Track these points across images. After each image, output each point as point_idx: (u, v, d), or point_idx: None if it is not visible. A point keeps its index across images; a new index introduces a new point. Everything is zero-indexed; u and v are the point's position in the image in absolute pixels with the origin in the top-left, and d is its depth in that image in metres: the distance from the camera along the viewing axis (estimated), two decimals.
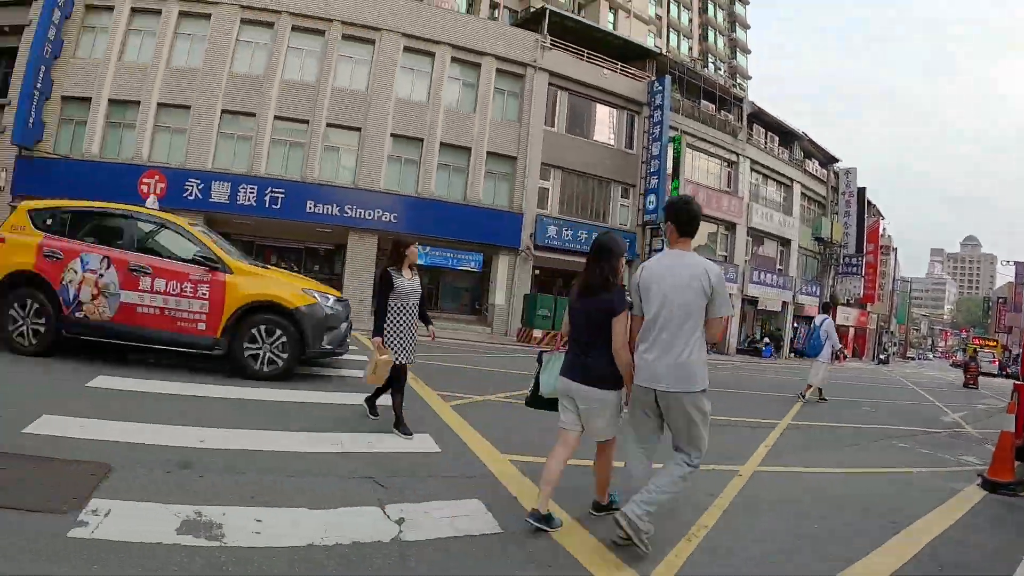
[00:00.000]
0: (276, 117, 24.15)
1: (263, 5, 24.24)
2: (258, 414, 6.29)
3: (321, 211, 23.87)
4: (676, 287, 3.84)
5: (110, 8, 23.49)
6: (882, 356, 56.47)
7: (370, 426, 6.38)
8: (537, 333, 23.36)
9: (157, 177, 22.52)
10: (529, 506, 4.24)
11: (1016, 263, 59.76)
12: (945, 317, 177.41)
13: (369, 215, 24.41)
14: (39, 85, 22.09)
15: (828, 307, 17.42)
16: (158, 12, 23.71)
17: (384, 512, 4.01)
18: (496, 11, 45.45)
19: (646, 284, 3.98)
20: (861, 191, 44.17)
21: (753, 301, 38.18)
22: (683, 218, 4.00)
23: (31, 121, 21.90)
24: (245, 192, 23.14)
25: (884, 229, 58.51)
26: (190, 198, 22.71)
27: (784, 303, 40.01)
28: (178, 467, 4.35)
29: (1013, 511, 6.42)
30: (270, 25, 24.45)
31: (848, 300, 47.31)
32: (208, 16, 23.96)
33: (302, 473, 4.62)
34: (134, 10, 23.71)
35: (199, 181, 22.87)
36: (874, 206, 52.53)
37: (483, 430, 6.67)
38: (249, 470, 4.51)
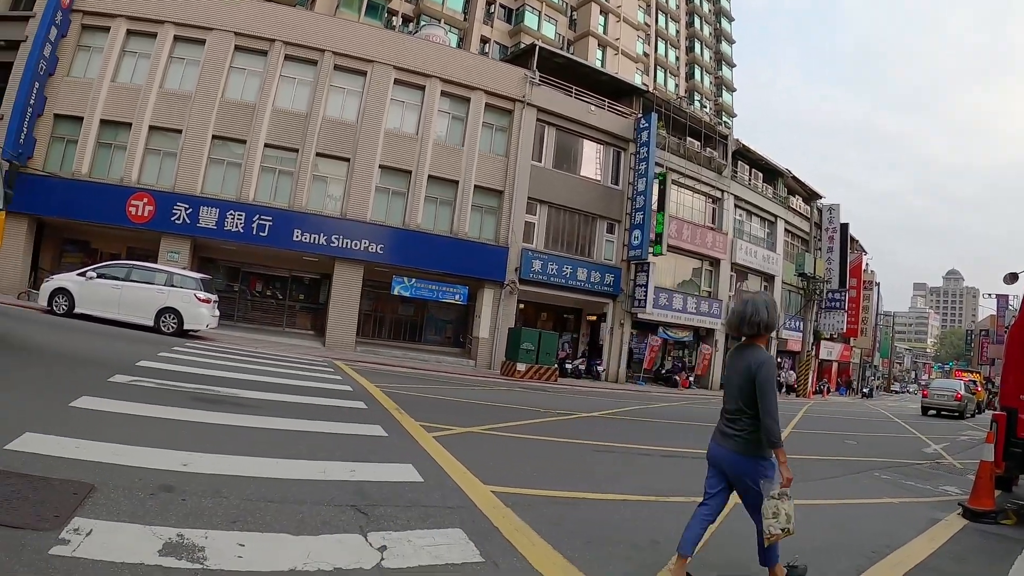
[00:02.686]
0: (266, 144, 24.23)
1: (257, 33, 24.47)
2: (242, 440, 6.32)
3: (308, 240, 23.87)
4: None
5: (106, 29, 23.54)
6: (865, 390, 56.82)
7: (352, 455, 6.42)
8: (520, 367, 23.27)
9: (146, 199, 22.68)
10: (510, 535, 4.34)
11: (998, 296, 60.68)
12: (928, 350, 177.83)
13: (355, 246, 24.45)
14: (32, 101, 22.00)
15: None
16: (153, 35, 23.82)
17: (366, 539, 4.05)
18: (487, 46, 46.17)
19: None
20: (844, 227, 44.63)
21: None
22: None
23: (23, 137, 21.77)
24: (233, 218, 23.12)
25: (867, 264, 59.04)
26: (177, 222, 22.73)
27: (768, 338, 40.19)
28: (161, 489, 4.37)
29: (993, 539, 6.57)
30: (264, 53, 24.63)
31: (831, 335, 47.59)
32: (203, 41, 24.10)
33: (284, 499, 4.64)
34: (130, 32, 23.79)
35: (187, 206, 22.85)
36: (857, 241, 53.03)
37: (465, 461, 6.71)
38: (232, 495, 4.52)
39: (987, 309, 73.69)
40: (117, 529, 3.59)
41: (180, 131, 23.57)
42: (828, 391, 47.41)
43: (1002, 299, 59.14)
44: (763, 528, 3.91)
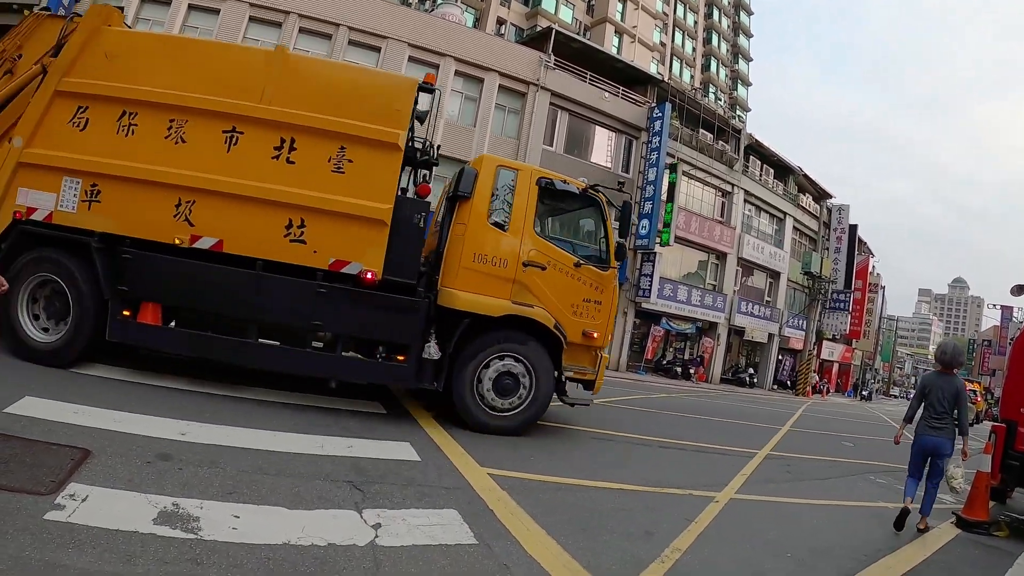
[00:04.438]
0: None
1: (271, 4, 24.25)
2: (240, 411, 6.32)
3: None
4: None
5: None
6: (864, 392, 56.67)
7: (350, 431, 6.42)
8: None
9: None
10: (505, 519, 4.33)
11: (1003, 307, 60.49)
12: (929, 357, 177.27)
13: None
14: None
15: None
16: (167, 3, 23.56)
17: (361, 516, 4.06)
18: (502, 28, 45.86)
19: None
20: (853, 228, 44.42)
21: (739, 331, 38.35)
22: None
23: None
24: None
25: (873, 267, 58.83)
26: None
27: (770, 335, 40.18)
28: (158, 458, 4.38)
29: (985, 550, 6.54)
30: (278, 25, 24.45)
31: (834, 335, 47.54)
32: (217, 11, 23.89)
33: (281, 472, 4.65)
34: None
35: None
36: (864, 243, 52.85)
37: (462, 442, 6.72)
38: (228, 465, 4.54)
39: (991, 319, 73.40)
40: (113, 496, 3.60)
41: None
42: (827, 391, 47.30)
43: (1007, 310, 59.01)
44: (948, 484, 6.81)
